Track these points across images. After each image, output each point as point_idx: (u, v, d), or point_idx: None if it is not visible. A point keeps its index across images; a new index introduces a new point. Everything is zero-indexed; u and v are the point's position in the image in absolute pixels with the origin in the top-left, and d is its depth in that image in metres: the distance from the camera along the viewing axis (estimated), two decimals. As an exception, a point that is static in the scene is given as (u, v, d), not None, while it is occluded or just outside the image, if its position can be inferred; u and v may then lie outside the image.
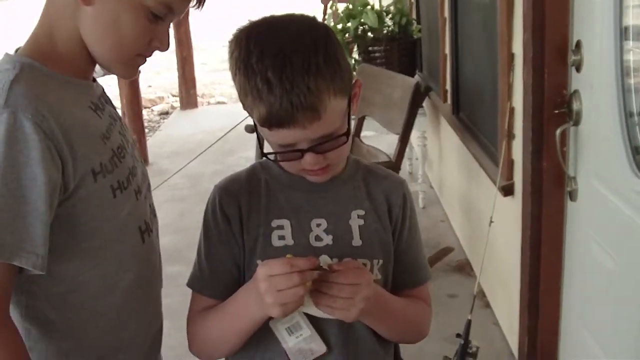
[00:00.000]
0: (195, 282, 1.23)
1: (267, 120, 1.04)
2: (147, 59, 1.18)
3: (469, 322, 2.15)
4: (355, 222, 1.20)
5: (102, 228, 1.12)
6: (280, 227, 1.18)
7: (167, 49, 1.17)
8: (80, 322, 1.15)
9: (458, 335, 2.12)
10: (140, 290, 1.22)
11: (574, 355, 2.22)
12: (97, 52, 1.13)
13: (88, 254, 1.13)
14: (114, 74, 1.20)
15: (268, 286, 1.03)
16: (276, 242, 1.18)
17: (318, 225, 1.19)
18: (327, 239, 1.18)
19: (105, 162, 1.11)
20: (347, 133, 1.10)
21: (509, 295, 2.67)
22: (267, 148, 1.13)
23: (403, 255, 1.25)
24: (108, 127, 1.17)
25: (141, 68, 1.22)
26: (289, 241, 1.18)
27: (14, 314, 1.09)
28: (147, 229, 1.22)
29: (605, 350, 1.91)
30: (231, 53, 1.08)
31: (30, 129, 0.99)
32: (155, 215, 1.30)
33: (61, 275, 1.11)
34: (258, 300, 1.06)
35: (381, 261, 1.21)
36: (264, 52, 1.02)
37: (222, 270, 1.20)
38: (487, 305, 3.13)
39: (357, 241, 1.19)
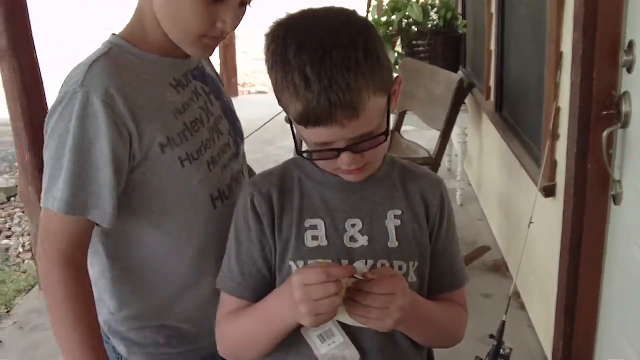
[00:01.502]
0: (225, 283, 1.19)
1: (304, 118, 1.01)
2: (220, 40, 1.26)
3: (503, 324, 2.12)
4: (392, 222, 1.16)
5: (171, 194, 1.26)
6: (314, 227, 1.14)
7: (232, 30, 1.23)
8: (145, 285, 1.32)
9: (492, 336, 2.10)
10: (204, 259, 1.32)
11: (611, 363, 2.18)
12: (168, 33, 1.24)
13: (157, 217, 1.27)
14: (187, 52, 1.28)
15: (303, 295, 0.99)
16: (310, 243, 1.14)
17: (353, 225, 1.15)
18: (363, 240, 1.14)
19: (173, 135, 1.23)
20: (386, 132, 1.06)
21: (546, 298, 2.63)
22: (304, 146, 1.10)
23: (440, 258, 1.21)
24: (187, 102, 1.28)
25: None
26: (323, 242, 1.14)
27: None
28: (221, 196, 1.32)
29: (645, 361, 1.87)
30: (267, 47, 1.04)
31: (99, 106, 1.14)
32: (239, 182, 1.39)
33: (128, 235, 1.27)
34: (292, 308, 1.02)
35: (417, 263, 1.17)
36: (302, 47, 0.99)
37: (252, 271, 1.16)
38: (523, 307, 3.08)
39: (393, 242, 1.15)
